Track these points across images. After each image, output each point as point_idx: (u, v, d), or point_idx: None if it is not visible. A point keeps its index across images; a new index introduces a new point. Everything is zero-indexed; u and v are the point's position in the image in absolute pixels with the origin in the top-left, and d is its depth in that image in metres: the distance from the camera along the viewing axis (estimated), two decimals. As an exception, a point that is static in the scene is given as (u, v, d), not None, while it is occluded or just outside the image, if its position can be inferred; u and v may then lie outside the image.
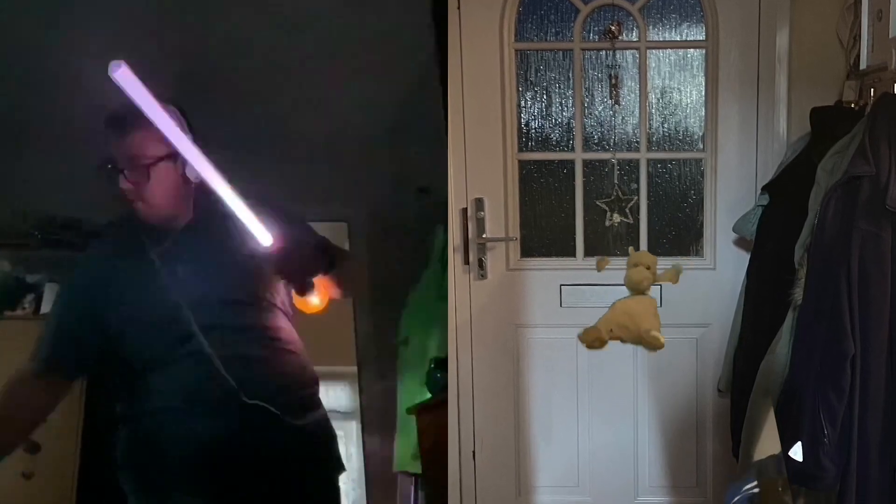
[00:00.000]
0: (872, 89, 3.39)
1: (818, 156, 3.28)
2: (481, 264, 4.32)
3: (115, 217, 3.32)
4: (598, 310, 4.28)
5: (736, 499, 3.41)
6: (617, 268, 4.29)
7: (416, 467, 4.57)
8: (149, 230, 3.19)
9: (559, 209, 4.37)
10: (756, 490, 3.39)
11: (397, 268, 5.37)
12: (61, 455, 5.03)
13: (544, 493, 4.48)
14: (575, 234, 4.35)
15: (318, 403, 3.36)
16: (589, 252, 4.35)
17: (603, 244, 4.36)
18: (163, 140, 2.89)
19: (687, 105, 4.31)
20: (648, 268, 4.18)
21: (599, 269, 4.26)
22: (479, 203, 4.30)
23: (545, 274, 4.37)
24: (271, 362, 3.21)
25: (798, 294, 3.14)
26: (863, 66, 3.53)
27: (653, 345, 4.21)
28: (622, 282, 4.25)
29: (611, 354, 4.30)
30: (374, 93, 5.04)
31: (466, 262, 4.33)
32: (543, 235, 4.40)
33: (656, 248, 4.33)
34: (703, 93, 4.28)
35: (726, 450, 4.01)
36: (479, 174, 4.31)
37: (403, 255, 5.40)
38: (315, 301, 3.07)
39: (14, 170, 5.18)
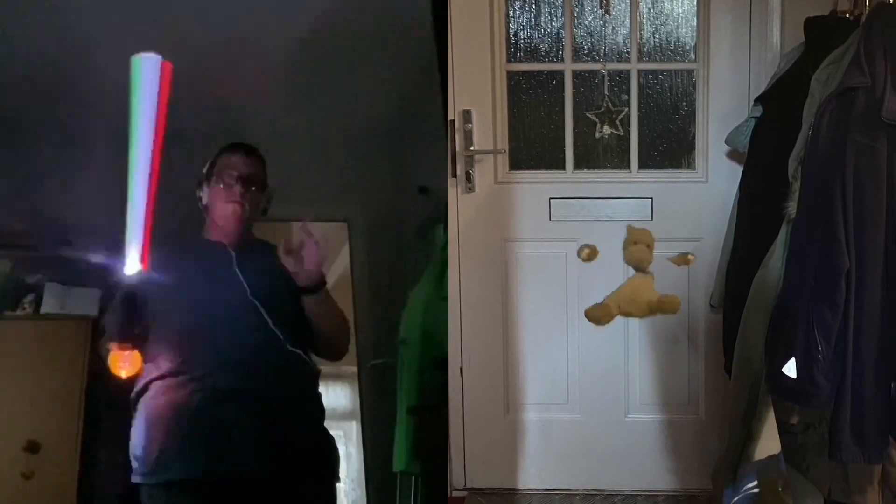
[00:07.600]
0: (868, -2, 3.33)
1: (812, 66, 3.24)
2: (469, 177, 4.27)
3: None
4: (587, 223, 4.29)
5: (736, 499, 3.40)
6: (607, 180, 4.29)
7: (416, 467, 4.55)
8: None
9: (548, 121, 4.32)
10: (756, 490, 3.38)
11: (397, 268, 5.40)
12: (61, 455, 5.05)
13: (533, 410, 4.47)
14: (564, 146, 4.30)
15: None
16: (579, 165, 4.31)
17: (593, 156, 4.32)
18: None
19: (678, 15, 4.26)
20: (648, 246, 4.16)
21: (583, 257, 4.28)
22: (466, 115, 4.24)
23: (534, 187, 4.32)
24: None
25: (792, 207, 3.11)
26: (858, -26, 3.47)
27: (671, 307, 4.20)
28: (612, 195, 4.24)
29: (601, 268, 4.28)
30: (374, 92, 5.01)
31: (454, 174, 4.28)
32: (532, 148, 4.36)
33: (647, 161, 4.30)
34: (695, 2, 4.23)
35: (718, 366, 3.98)
36: (466, 85, 4.25)
37: (403, 255, 5.41)
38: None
39: (15, 170, 5.15)
